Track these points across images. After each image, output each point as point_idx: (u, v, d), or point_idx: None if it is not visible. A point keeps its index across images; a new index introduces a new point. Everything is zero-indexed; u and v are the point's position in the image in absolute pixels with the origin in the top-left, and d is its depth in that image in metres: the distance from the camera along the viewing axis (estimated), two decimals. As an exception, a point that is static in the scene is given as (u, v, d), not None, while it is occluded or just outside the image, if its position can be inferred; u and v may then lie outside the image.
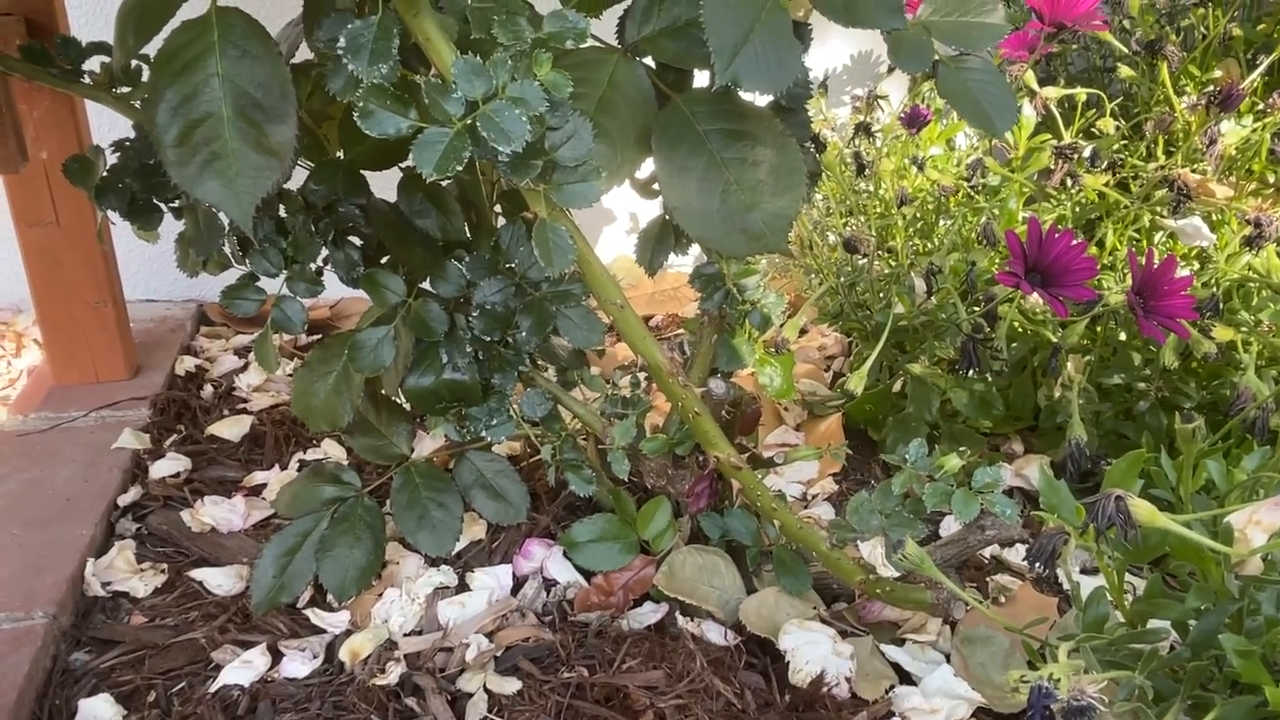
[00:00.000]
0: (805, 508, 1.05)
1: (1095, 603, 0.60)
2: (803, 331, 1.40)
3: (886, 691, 0.77)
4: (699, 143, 0.61)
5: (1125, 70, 1.17)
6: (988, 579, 0.92)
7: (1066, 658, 0.51)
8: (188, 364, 1.26)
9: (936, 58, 0.65)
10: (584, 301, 0.78)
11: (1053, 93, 1.12)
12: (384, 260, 0.82)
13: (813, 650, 0.77)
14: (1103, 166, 0.97)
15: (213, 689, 0.77)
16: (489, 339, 0.79)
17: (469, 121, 0.50)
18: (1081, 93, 1.14)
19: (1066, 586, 0.92)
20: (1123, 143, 1.07)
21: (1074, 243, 0.73)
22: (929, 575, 0.62)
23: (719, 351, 0.84)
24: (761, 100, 0.66)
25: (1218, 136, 0.94)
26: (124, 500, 0.98)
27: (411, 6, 0.52)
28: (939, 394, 1.09)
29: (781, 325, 0.95)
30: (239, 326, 1.41)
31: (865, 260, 0.99)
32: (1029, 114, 1.02)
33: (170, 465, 1.04)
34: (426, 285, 0.82)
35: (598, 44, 0.68)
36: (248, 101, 0.54)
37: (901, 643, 0.82)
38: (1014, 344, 1.08)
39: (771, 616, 0.81)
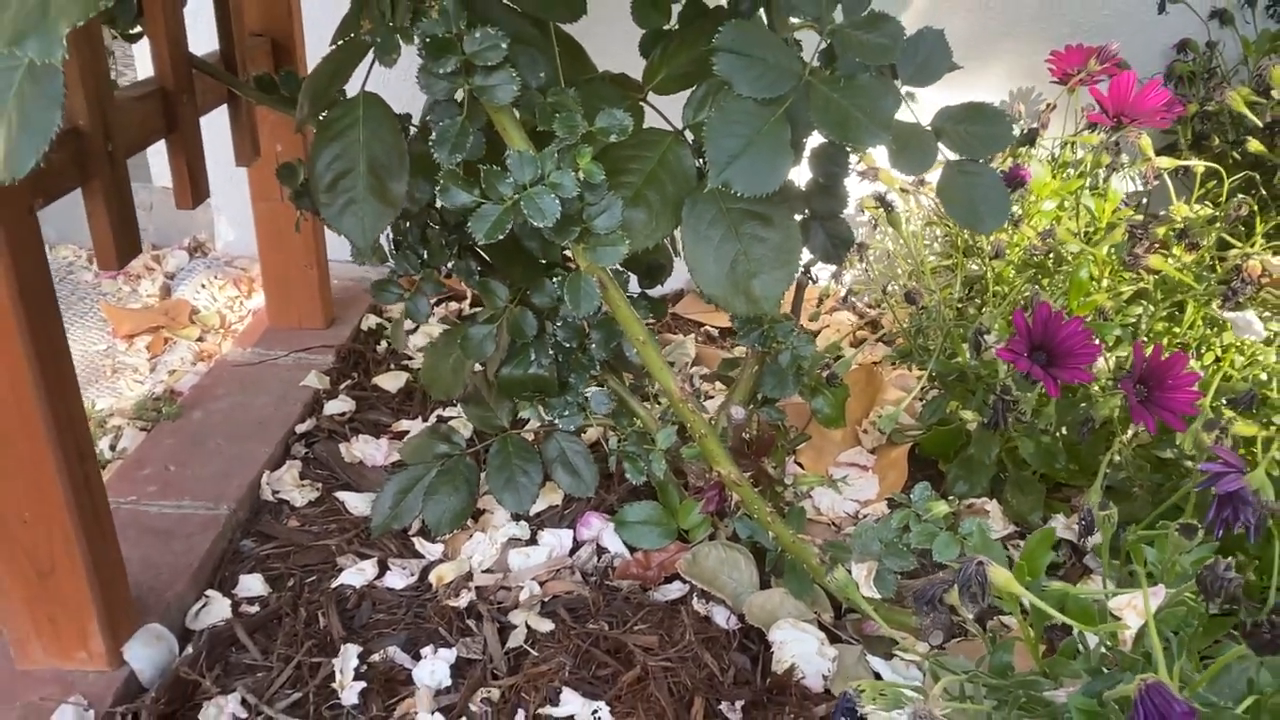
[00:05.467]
0: (854, 524, 1.15)
1: (1003, 650, 0.69)
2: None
3: (855, 693, 0.88)
4: (720, 217, 0.75)
5: (1254, 144, 1.16)
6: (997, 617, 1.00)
7: (942, 687, 0.62)
8: (371, 322, 1.52)
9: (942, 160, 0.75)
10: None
11: (1165, 163, 1.14)
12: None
13: (798, 646, 0.90)
14: (1182, 246, 1.00)
15: (333, 585, 1.01)
16: (568, 345, 0.96)
17: (515, 200, 0.67)
18: (1200, 165, 1.15)
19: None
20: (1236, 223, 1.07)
21: (1080, 328, 0.80)
22: (856, 603, 0.73)
23: (765, 379, 0.97)
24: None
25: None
26: (300, 429, 1.24)
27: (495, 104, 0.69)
28: (1002, 441, 1.16)
29: (836, 359, 1.07)
30: (419, 292, 1.66)
31: (923, 310, 1.07)
32: (1116, 186, 1.05)
33: (339, 405, 1.29)
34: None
35: (663, 128, 0.82)
36: (377, 163, 0.74)
37: (890, 657, 0.93)
38: (1084, 404, 1.13)
39: (774, 612, 0.94)
